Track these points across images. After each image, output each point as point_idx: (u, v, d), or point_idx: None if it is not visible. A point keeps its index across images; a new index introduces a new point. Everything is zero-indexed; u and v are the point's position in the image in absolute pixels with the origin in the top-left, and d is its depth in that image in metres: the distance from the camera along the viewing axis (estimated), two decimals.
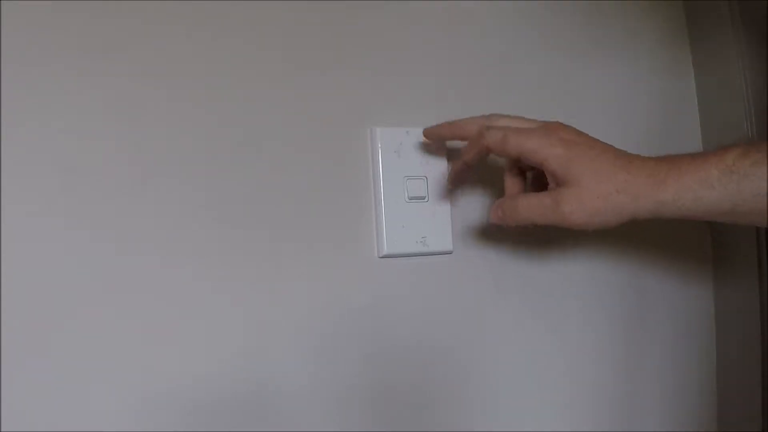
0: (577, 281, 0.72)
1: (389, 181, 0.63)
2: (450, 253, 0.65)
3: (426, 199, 0.64)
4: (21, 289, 0.50)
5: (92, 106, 0.53)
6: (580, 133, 0.56)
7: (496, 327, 0.68)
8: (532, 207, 0.55)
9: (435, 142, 0.64)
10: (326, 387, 0.60)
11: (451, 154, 0.65)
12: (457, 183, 0.64)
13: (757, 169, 0.49)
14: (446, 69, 0.67)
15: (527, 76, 0.71)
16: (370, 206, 0.63)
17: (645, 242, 0.76)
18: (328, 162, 0.61)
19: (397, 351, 0.63)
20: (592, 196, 0.52)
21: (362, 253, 0.62)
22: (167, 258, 0.55)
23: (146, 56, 0.55)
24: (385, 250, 0.62)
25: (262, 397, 0.57)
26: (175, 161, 0.55)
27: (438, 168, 0.65)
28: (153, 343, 0.54)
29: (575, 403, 0.72)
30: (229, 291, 0.57)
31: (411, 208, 0.63)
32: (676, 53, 0.81)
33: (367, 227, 0.63)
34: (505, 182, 0.60)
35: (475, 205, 0.67)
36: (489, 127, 0.57)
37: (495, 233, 0.67)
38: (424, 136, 0.63)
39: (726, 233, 0.78)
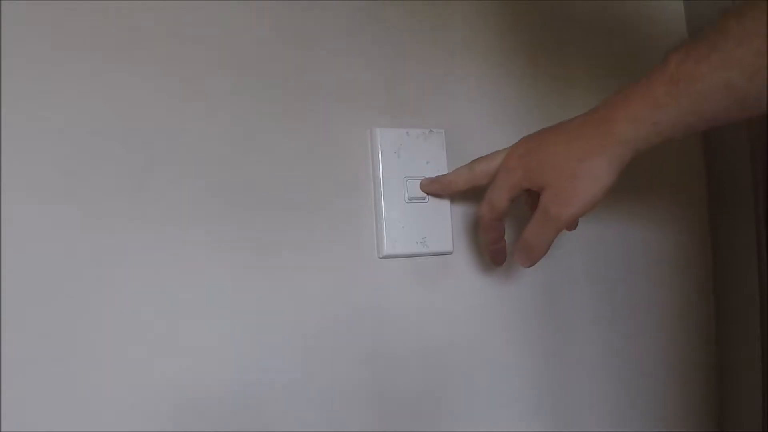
0: (578, 281, 0.72)
1: (389, 181, 0.63)
2: (450, 253, 0.65)
3: (426, 200, 0.64)
4: (21, 288, 0.50)
5: (92, 106, 0.53)
6: (532, 137, 0.56)
7: (496, 327, 0.68)
8: (537, 231, 0.54)
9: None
10: (325, 387, 0.60)
11: (450, 155, 0.65)
12: (500, 258, 0.63)
13: (703, 66, 0.43)
14: (446, 69, 0.67)
15: (527, 77, 0.71)
16: (370, 207, 0.63)
17: (644, 236, 0.76)
18: (328, 162, 0.61)
19: (397, 351, 0.63)
20: (561, 183, 0.51)
21: (362, 253, 0.62)
22: (167, 258, 0.55)
23: (146, 56, 0.55)
24: (385, 251, 0.62)
25: (261, 398, 0.57)
26: (175, 162, 0.55)
27: (438, 168, 0.65)
28: (152, 344, 0.54)
29: (573, 403, 0.72)
30: (228, 291, 0.57)
31: (411, 209, 0.63)
32: None
33: (367, 228, 0.63)
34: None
35: (474, 206, 0.67)
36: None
37: None
38: (420, 186, 0.63)
39: (726, 228, 0.78)
